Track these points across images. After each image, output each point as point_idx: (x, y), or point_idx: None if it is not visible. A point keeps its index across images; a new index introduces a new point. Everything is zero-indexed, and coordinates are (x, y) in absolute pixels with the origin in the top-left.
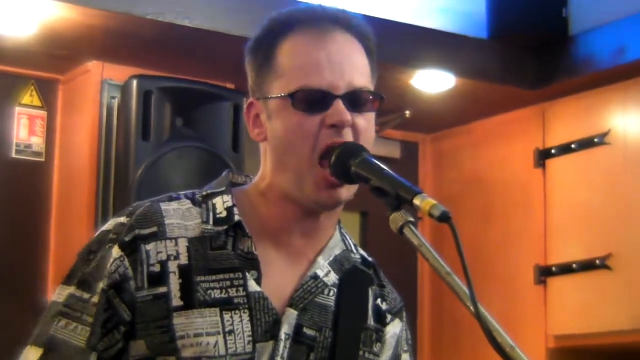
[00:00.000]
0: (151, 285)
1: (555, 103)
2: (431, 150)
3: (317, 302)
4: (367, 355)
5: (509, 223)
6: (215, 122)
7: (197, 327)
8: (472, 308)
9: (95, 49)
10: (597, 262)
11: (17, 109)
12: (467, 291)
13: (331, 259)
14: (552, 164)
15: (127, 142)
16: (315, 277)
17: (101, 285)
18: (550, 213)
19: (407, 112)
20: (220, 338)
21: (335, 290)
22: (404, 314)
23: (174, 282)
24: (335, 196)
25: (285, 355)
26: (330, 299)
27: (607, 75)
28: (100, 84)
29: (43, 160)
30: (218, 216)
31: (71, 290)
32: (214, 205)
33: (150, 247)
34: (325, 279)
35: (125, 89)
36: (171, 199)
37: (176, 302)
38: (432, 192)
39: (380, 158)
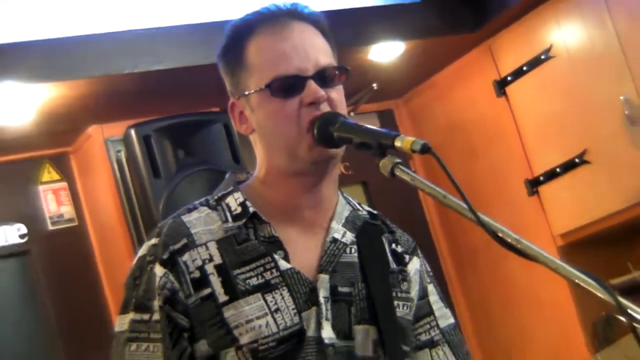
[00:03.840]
0: (196, 290)
1: (497, 37)
2: (405, 111)
3: (343, 262)
4: (399, 294)
5: (491, 152)
6: (212, 144)
7: (247, 314)
8: (472, 217)
9: (91, 114)
10: (576, 160)
11: (41, 187)
12: (465, 205)
13: (343, 221)
14: (512, 89)
15: (142, 184)
16: (334, 241)
17: (156, 303)
18: (523, 131)
19: (374, 85)
20: (270, 318)
21: (355, 247)
22: (418, 250)
23: (215, 281)
24: (326, 152)
25: (329, 315)
26: (353, 255)
27: None
28: (104, 143)
29: (76, 224)
30: (234, 213)
31: (130, 316)
32: (227, 205)
33: (185, 257)
34: (344, 240)
35: (126, 140)
36: (189, 210)
37: (222, 298)
38: None
39: None
